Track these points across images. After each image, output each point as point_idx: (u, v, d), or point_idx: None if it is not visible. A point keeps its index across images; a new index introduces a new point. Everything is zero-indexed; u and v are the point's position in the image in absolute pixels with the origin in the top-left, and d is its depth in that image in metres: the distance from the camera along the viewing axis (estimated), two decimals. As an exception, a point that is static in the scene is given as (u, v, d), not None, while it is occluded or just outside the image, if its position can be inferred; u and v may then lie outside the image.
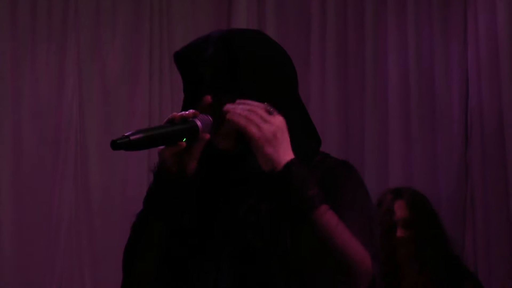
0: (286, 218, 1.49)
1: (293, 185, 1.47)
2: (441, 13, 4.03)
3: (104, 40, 4.08)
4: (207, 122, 1.55)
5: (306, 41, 4.12)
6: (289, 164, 1.49)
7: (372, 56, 4.06)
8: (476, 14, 3.92)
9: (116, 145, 1.44)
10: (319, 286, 1.51)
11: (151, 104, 4.05)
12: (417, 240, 3.11)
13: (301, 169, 1.49)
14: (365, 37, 4.07)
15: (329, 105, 4.06)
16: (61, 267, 3.92)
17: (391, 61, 4.02)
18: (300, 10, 4.16)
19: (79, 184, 3.99)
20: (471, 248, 3.82)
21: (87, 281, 3.95)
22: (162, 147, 1.54)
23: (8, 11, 4.00)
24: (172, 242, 1.59)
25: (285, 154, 1.50)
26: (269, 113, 1.52)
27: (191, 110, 1.54)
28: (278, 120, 1.52)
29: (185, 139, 1.52)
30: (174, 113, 1.53)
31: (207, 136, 1.54)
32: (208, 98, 1.58)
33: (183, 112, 1.54)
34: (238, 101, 1.53)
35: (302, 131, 1.63)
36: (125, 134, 1.45)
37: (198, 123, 1.53)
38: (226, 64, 1.59)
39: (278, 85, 1.62)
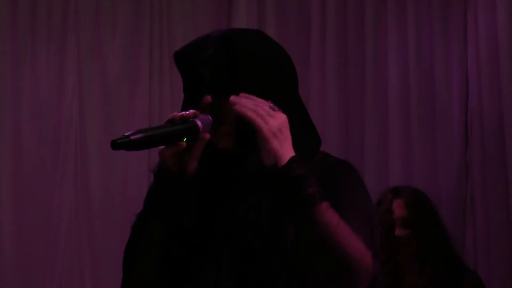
0: (287, 215, 1.49)
1: (295, 181, 1.47)
2: (441, 13, 4.03)
3: (104, 40, 4.08)
4: (207, 122, 1.55)
5: (306, 41, 4.12)
6: (292, 160, 1.49)
7: (372, 56, 4.06)
8: (476, 14, 3.92)
9: (116, 145, 1.44)
10: (320, 284, 1.51)
11: (151, 104, 4.06)
12: (417, 239, 3.10)
13: (303, 166, 1.49)
14: (365, 37, 4.08)
15: (329, 105, 4.06)
16: (61, 267, 3.92)
17: (391, 61, 4.02)
18: (300, 10, 4.16)
19: (79, 184, 3.99)
20: (471, 248, 3.82)
21: (87, 281, 3.95)
22: (162, 147, 1.54)
23: (8, 11, 4.00)
24: (172, 242, 1.59)
25: (289, 150, 1.50)
26: (273, 110, 1.53)
27: (191, 110, 1.54)
28: (283, 117, 1.52)
29: (185, 139, 1.52)
30: (175, 113, 1.53)
31: (208, 136, 1.54)
32: (208, 98, 1.58)
33: (183, 112, 1.53)
34: (242, 94, 1.54)
35: (302, 131, 1.63)
36: (125, 134, 1.45)
37: (199, 123, 1.53)
38: (226, 64, 1.59)
39: (278, 85, 1.62)
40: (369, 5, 4.08)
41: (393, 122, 3.99)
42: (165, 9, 4.12)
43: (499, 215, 3.72)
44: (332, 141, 3.91)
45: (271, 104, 1.53)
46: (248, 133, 1.51)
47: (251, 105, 1.51)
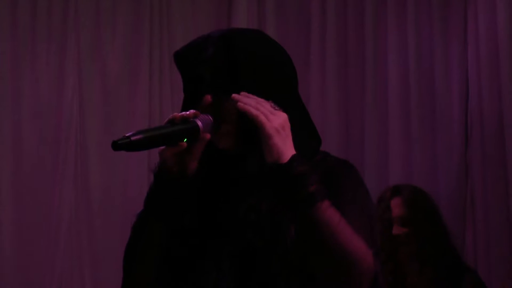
0: (288, 213, 1.49)
1: (296, 179, 1.47)
2: (441, 13, 4.03)
3: (104, 40, 4.08)
4: (207, 122, 1.55)
5: (306, 41, 4.12)
6: (294, 158, 1.49)
7: (372, 56, 4.06)
8: (476, 14, 3.92)
9: (117, 145, 1.44)
10: (321, 284, 1.51)
11: (151, 104, 4.06)
12: (417, 238, 3.10)
13: (305, 164, 1.49)
14: (365, 37, 4.08)
15: (329, 105, 4.07)
16: (61, 267, 3.92)
17: (391, 61, 4.03)
18: (300, 10, 4.16)
19: (79, 184, 3.99)
20: (471, 248, 3.82)
21: (87, 281, 3.95)
22: (162, 147, 1.54)
23: (8, 11, 4.00)
24: (172, 242, 1.59)
25: (290, 148, 1.51)
26: (274, 109, 1.53)
27: (191, 110, 1.54)
28: (284, 115, 1.53)
29: (186, 139, 1.52)
30: (175, 114, 1.53)
31: (208, 136, 1.54)
32: (208, 98, 1.58)
33: (183, 112, 1.53)
34: (243, 93, 1.54)
35: (303, 131, 1.63)
36: (126, 135, 1.45)
37: (199, 123, 1.53)
38: (226, 64, 1.59)
39: (278, 85, 1.62)
40: (369, 5, 4.08)
41: (393, 122, 3.99)
42: (165, 9, 4.12)
43: (499, 215, 3.72)
44: (332, 141, 3.91)
45: (272, 104, 1.54)
46: (250, 131, 1.51)
47: (254, 103, 1.51)
